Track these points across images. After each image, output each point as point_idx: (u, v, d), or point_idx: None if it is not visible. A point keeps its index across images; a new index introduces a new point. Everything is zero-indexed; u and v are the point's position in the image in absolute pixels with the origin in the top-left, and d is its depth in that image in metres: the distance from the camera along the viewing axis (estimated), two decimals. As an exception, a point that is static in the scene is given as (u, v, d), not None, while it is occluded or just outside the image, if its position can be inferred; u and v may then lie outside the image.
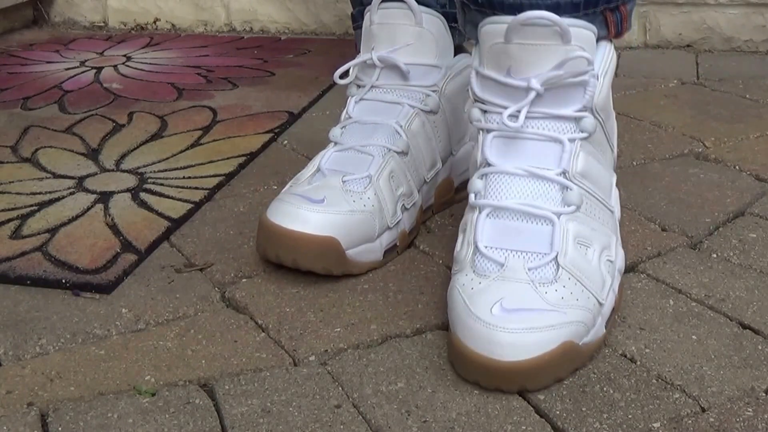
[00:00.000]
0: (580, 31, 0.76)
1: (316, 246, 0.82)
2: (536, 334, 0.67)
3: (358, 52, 0.97)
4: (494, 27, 0.76)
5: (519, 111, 0.75)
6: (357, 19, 1.03)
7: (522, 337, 0.67)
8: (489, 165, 0.77)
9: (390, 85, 0.94)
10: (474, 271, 0.73)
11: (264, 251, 0.86)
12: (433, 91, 0.94)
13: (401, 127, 0.91)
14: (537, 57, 0.75)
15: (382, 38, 0.93)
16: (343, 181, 0.87)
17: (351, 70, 0.95)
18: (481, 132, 0.79)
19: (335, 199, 0.84)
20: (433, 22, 0.93)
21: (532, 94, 0.75)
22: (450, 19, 0.94)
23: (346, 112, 0.94)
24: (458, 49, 0.98)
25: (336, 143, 0.92)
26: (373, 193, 0.86)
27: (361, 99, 0.94)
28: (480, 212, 0.76)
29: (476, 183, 0.77)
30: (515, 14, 0.74)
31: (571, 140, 0.77)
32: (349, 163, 0.89)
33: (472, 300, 0.70)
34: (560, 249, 0.72)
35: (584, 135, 0.77)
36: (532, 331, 0.67)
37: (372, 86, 0.94)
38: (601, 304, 0.74)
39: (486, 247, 0.73)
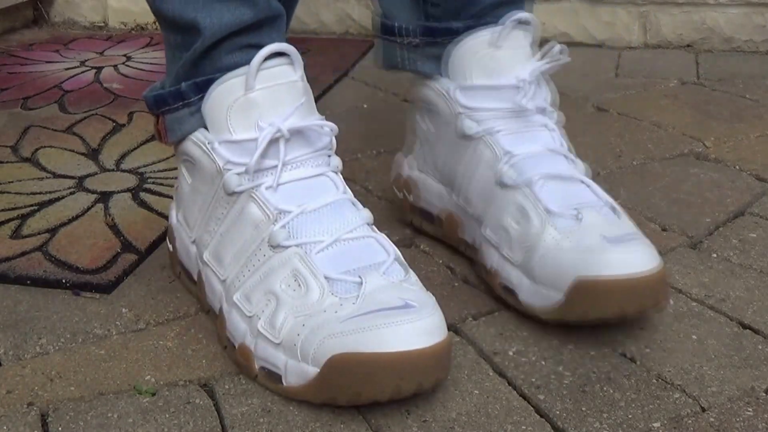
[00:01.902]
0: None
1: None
2: (649, 248, 0.75)
3: (166, 140, 0.81)
4: (479, 39, 0.85)
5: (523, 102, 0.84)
6: (184, 96, 0.78)
7: (645, 250, 0.74)
8: (512, 155, 0.83)
9: (299, 158, 0.75)
10: (557, 231, 0.77)
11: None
12: (331, 149, 0.78)
13: (353, 199, 0.77)
14: (520, 57, 0.85)
15: (269, 104, 0.75)
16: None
17: (255, 158, 0.74)
18: (483, 137, 0.85)
19: None
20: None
21: (532, 86, 0.84)
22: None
23: (266, 206, 0.74)
24: None
25: (302, 245, 0.72)
26: None
27: (278, 185, 0.74)
28: (531, 187, 0.80)
29: (509, 171, 0.82)
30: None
31: (556, 128, 0.86)
32: (362, 254, 0.73)
33: (579, 244, 0.75)
34: (605, 199, 0.80)
35: (559, 125, 0.87)
36: (645, 246, 0.75)
37: (283, 164, 0.75)
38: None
39: (559, 207, 0.78)
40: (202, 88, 0.77)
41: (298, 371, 0.67)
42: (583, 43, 1.73)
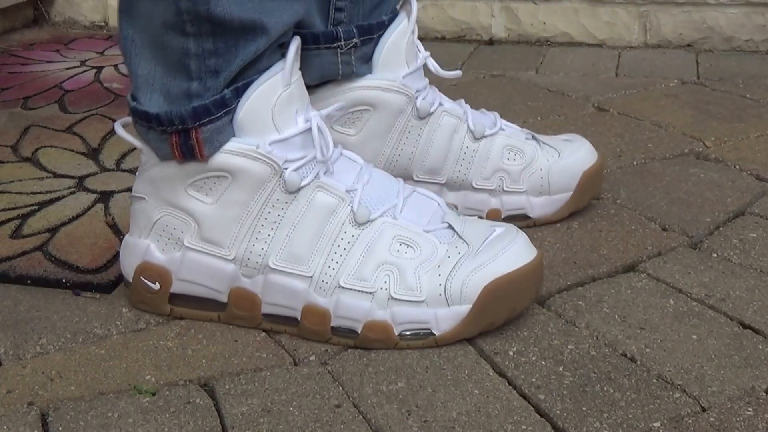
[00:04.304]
0: None
1: None
2: (585, 139, 1.01)
3: (204, 155, 0.75)
4: (402, 28, 0.92)
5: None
6: (228, 103, 0.74)
7: (585, 142, 1.00)
8: (467, 113, 0.97)
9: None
10: (542, 149, 0.97)
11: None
12: None
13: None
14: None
15: (299, 96, 0.78)
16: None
17: (328, 149, 0.78)
18: (439, 110, 0.95)
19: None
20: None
21: (433, 63, 0.96)
22: None
23: (334, 191, 0.77)
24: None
25: (386, 213, 0.78)
26: None
27: (332, 169, 0.79)
28: (503, 128, 0.97)
29: (478, 126, 0.96)
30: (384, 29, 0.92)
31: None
32: (423, 205, 0.82)
33: (562, 152, 0.97)
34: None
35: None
36: (583, 140, 1.00)
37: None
38: None
39: (525, 134, 0.99)
40: (240, 92, 0.74)
41: (450, 315, 0.75)
42: (584, 42, 1.73)
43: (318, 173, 0.77)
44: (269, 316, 0.78)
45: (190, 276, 0.79)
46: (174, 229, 0.78)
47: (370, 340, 0.76)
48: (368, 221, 0.77)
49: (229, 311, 0.79)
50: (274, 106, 0.75)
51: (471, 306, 0.75)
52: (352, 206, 0.77)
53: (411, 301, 0.75)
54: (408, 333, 0.75)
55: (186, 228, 0.78)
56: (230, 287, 0.78)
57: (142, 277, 0.80)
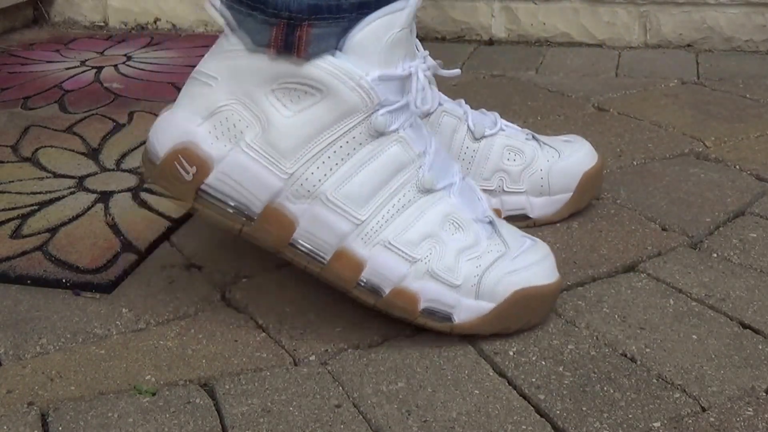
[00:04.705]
0: None
1: None
2: (584, 140, 1.01)
3: (302, 53, 0.71)
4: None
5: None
6: (343, 12, 0.72)
7: (585, 143, 1.00)
8: (467, 113, 0.96)
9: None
10: (542, 150, 0.97)
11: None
12: None
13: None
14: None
15: (406, 44, 0.75)
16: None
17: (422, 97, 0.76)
18: (439, 109, 0.94)
19: None
20: None
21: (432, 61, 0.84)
22: None
23: (410, 148, 0.76)
24: None
25: (446, 187, 0.78)
26: None
27: (413, 125, 0.78)
28: (503, 128, 0.97)
29: (478, 126, 0.95)
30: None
31: None
32: (470, 193, 0.81)
33: (561, 153, 0.97)
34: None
35: None
36: (583, 141, 1.01)
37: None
38: None
39: (525, 134, 0.99)
40: (357, 8, 0.71)
41: (473, 308, 0.75)
42: (584, 43, 1.73)
43: (404, 123, 0.75)
44: (296, 245, 0.75)
45: (233, 174, 0.74)
46: (239, 121, 0.73)
47: (393, 306, 0.75)
48: (431, 190, 0.76)
49: (258, 226, 0.75)
50: (388, 42, 0.72)
51: (496, 305, 0.75)
52: (422, 169, 0.76)
53: (447, 282, 0.74)
54: (429, 312, 0.75)
55: (252, 126, 0.73)
56: (268, 202, 0.74)
57: (180, 156, 0.74)
